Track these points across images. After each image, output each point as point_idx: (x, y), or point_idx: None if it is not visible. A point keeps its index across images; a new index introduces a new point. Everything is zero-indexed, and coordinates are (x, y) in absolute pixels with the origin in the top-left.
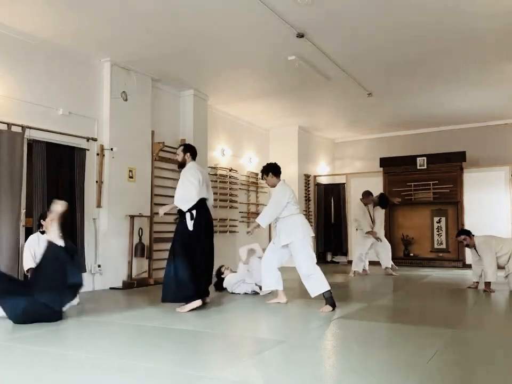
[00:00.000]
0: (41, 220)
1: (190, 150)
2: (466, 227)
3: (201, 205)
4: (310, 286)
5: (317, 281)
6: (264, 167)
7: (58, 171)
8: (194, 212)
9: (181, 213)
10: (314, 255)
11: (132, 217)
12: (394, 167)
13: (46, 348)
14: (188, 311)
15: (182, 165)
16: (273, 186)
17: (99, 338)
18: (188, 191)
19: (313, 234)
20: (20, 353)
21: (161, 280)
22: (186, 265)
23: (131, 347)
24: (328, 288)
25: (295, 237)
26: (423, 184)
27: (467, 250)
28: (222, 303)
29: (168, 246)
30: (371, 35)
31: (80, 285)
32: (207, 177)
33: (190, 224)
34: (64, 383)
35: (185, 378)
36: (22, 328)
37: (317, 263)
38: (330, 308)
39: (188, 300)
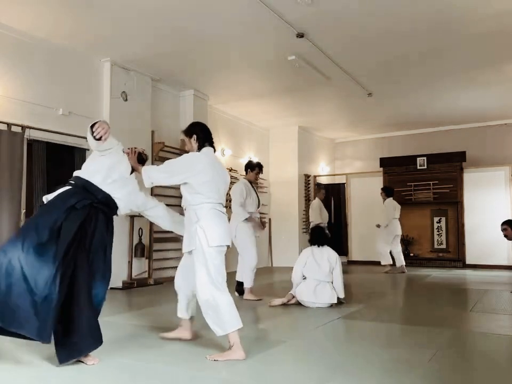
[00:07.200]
0: None
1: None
2: (466, 227)
3: None
4: None
5: None
6: None
7: (58, 171)
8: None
9: None
10: None
11: (132, 217)
12: (394, 167)
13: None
14: None
15: None
16: None
17: None
18: None
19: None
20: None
21: (162, 280)
22: None
23: (131, 347)
24: None
25: None
26: (423, 184)
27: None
28: None
29: (168, 246)
30: (371, 35)
31: None
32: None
33: None
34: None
35: (185, 378)
36: None
37: None
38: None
39: None
